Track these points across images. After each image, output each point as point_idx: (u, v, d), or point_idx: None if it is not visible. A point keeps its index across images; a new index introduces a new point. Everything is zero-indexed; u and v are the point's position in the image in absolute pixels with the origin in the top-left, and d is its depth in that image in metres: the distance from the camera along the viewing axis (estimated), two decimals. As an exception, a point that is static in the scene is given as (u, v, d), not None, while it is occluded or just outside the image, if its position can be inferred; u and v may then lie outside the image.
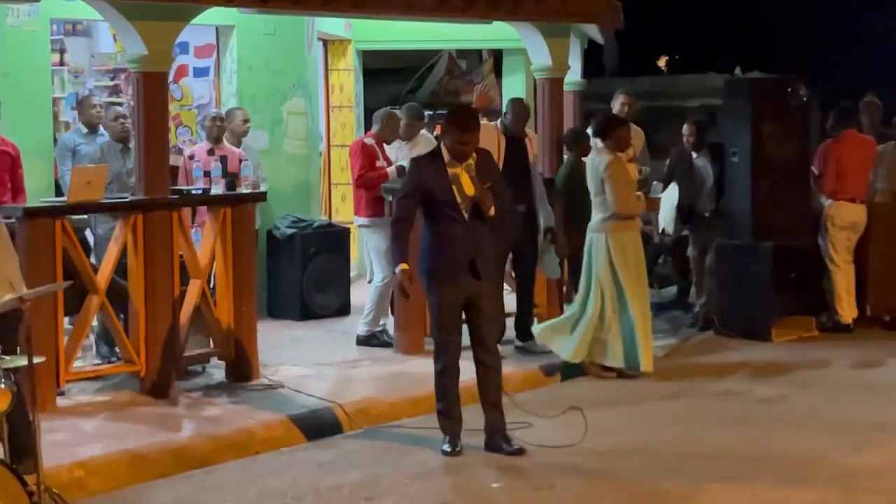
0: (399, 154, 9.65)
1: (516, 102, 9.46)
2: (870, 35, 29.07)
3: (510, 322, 9.37)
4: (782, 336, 10.06)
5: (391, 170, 9.33)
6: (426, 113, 10.80)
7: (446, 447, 6.79)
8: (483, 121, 9.02)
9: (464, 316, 6.86)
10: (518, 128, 9.26)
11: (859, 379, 8.86)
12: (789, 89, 10.25)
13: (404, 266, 6.71)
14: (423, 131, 10.25)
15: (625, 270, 8.62)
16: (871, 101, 11.25)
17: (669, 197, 10.93)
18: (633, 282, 8.65)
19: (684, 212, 10.45)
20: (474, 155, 6.78)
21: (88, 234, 8.38)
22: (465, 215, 6.72)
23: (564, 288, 10.41)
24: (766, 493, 6.12)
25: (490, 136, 8.99)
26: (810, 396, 8.23)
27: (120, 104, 10.23)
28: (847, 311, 10.50)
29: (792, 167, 10.24)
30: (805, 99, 10.28)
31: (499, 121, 9.47)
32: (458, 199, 6.70)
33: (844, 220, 10.45)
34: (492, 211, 6.74)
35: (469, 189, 6.72)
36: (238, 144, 9.82)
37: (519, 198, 8.70)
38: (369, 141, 9.49)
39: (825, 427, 7.38)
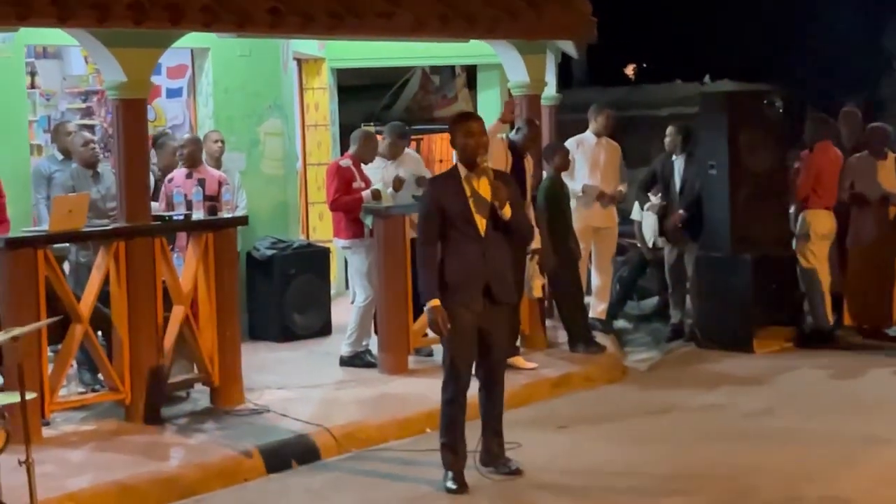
0: (384, 174, 9.62)
1: (532, 124, 9.48)
2: (834, 37, 29.26)
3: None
4: (764, 347, 10.11)
5: (366, 193, 9.25)
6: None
7: (451, 485, 6.53)
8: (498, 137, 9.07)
9: None
10: (529, 147, 9.30)
11: (843, 391, 8.89)
12: (765, 101, 10.32)
13: (435, 303, 6.43)
14: (408, 150, 10.24)
15: None
16: (849, 111, 11.36)
17: (652, 209, 11.01)
18: None
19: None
20: (492, 173, 6.54)
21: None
22: (482, 232, 6.51)
23: (546, 303, 10.46)
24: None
25: (499, 150, 9.03)
26: (796, 410, 8.25)
27: (91, 127, 10.17)
28: (829, 315, 10.60)
29: (769, 178, 10.31)
30: (781, 110, 10.35)
31: (503, 135, 9.42)
32: (475, 214, 6.49)
33: (824, 228, 10.53)
34: (507, 211, 6.49)
35: (487, 195, 6.49)
36: (217, 166, 9.78)
37: None
38: (345, 163, 9.43)
39: (814, 441, 7.39)
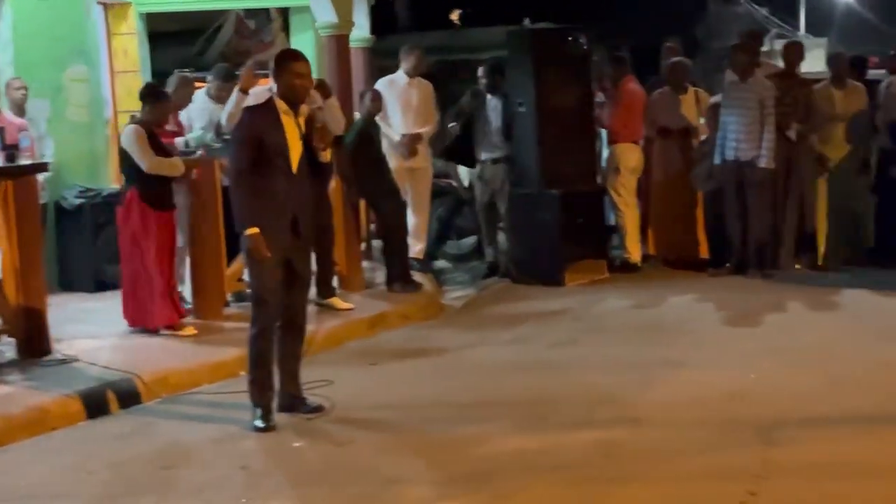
0: (212, 117, 9.46)
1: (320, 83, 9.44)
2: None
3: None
4: (575, 280, 10.38)
5: (179, 140, 9.16)
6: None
7: (260, 423, 6.58)
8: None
9: None
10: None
11: (646, 319, 9.20)
12: (569, 38, 10.52)
13: (254, 231, 6.42)
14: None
15: None
16: (671, 46, 11.69)
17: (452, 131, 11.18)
18: None
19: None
20: (309, 112, 6.64)
21: None
22: (294, 168, 6.54)
23: (363, 245, 10.53)
24: (556, 436, 6.30)
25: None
26: (600, 338, 8.52)
27: None
28: (636, 250, 10.94)
29: (575, 115, 10.54)
30: (585, 48, 10.56)
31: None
32: (290, 150, 6.50)
33: (633, 161, 10.83)
34: (327, 155, 6.57)
35: (298, 140, 6.54)
36: (20, 114, 9.53)
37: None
38: (159, 107, 9.30)
39: (614, 367, 7.63)
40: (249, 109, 6.88)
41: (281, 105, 6.56)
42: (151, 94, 8.46)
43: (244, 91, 8.83)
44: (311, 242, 6.93)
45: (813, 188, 10.74)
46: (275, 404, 6.74)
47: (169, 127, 9.20)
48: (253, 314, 6.71)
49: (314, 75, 9.24)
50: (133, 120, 8.46)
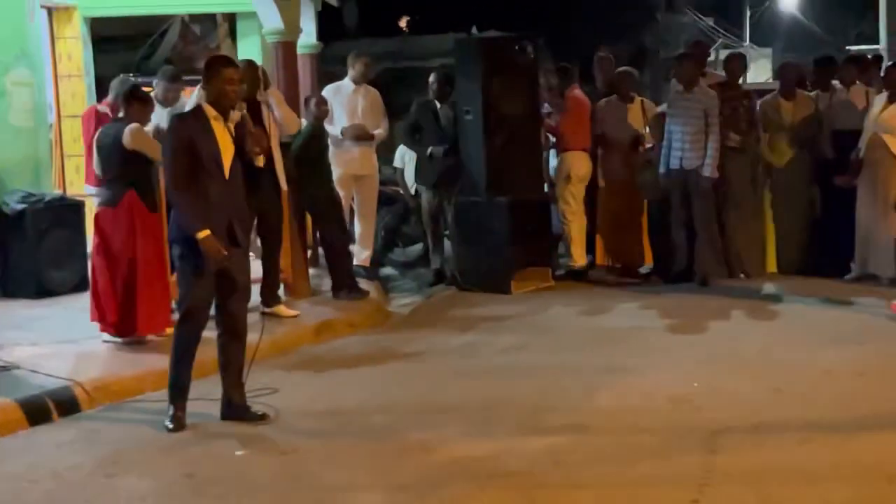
0: (160, 121, 9.38)
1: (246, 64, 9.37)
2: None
3: (256, 288, 9.34)
4: (521, 287, 10.41)
5: None
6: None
7: (169, 423, 6.62)
8: None
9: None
10: (251, 92, 9.18)
11: (592, 325, 9.24)
12: (517, 47, 10.55)
13: (206, 233, 6.40)
14: (184, 97, 10.02)
15: None
16: (604, 56, 11.73)
17: (412, 157, 11.14)
18: None
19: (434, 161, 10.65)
20: (239, 117, 6.64)
21: None
22: (226, 174, 6.53)
23: (309, 252, 10.49)
24: (502, 441, 6.31)
25: None
26: (546, 345, 8.55)
27: None
28: (582, 257, 10.99)
29: (523, 124, 10.56)
30: (532, 56, 10.60)
31: None
32: (222, 155, 6.50)
33: (582, 169, 10.88)
34: (260, 160, 6.60)
35: (229, 145, 6.55)
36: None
37: (267, 163, 8.74)
38: (103, 108, 9.27)
39: (559, 374, 7.65)
40: (179, 117, 6.88)
41: (210, 111, 6.56)
42: (138, 98, 8.32)
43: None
44: (247, 249, 6.90)
45: (759, 196, 10.84)
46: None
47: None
48: (179, 318, 6.73)
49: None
50: (119, 121, 8.27)
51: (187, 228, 6.50)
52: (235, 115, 6.66)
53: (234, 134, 6.61)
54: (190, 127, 6.56)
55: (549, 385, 7.39)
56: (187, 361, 6.69)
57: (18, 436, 6.74)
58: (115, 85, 9.42)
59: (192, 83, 13.53)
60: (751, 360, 7.90)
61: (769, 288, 10.41)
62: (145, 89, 9.57)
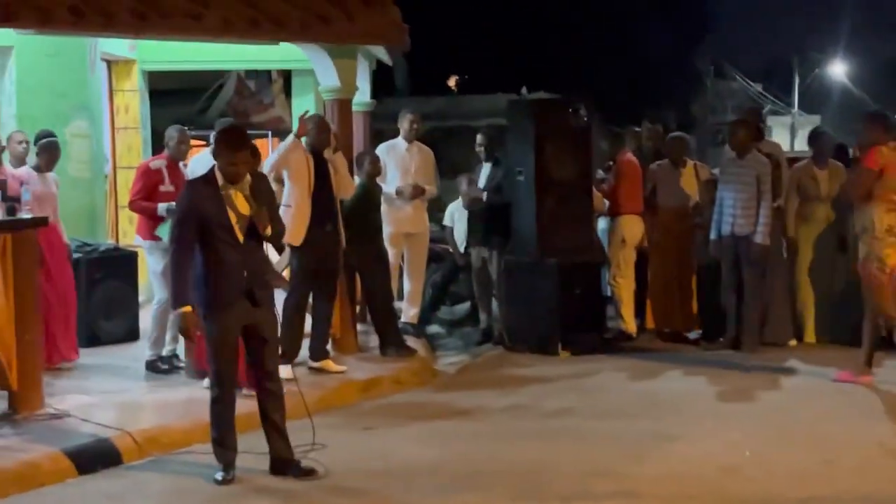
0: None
1: (316, 117, 9.48)
2: (646, 56, 30.25)
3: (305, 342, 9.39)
4: (569, 350, 10.36)
5: (161, 206, 9.11)
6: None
7: (218, 476, 6.67)
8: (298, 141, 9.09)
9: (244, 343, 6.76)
10: (322, 144, 9.27)
11: (640, 390, 9.18)
12: (570, 110, 10.59)
13: (187, 309, 6.55)
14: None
15: None
16: (652, 128, 11.80)
17: (463, 215, 11.20)
18: None
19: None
20: (249, 177, 6.67)
21: None
22: (241, 238, 6.59)
23: (357, 308, 10.52)
24: (552, 507, 6.28)
25: (300, 157, 9.11)
26: (594, 409, 8.49)
27: None
28: (632, 320, 10.95)
29: (574, 186, 10.57)
30: (586, 119, 10.63)
31: (302, 139, 9.34)
32: (234, 222, 6.56)
33: (636, 234, 10.88)
34: (268, 231, 6.65)
35: (244, 209, 6.59)
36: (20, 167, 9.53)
37: (325, 217, 8.98)
38: (155, 164, 9.30)
39: (609, 439, 7.60)
40: (190, 183, 6.96)
41: (220, 178, 6.61)
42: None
43: (298, 137, 9.05)
44: (272, 307, 6.88)
45: (795, 266, 10.76)
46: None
47: (163, 187, 9.16)
48: (211, 381, 6.80)
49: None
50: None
51: (172, 299, 6.68)
52: (246, 180, 6.61)
53: (247, 194, 6.61)
54: (198, 194, 6.62)
55: (598, 450, 7.34)
56: (225, 419, 6.75)
57: (68, 484, 6.78)
58: (169, 134, 9.49)
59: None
60: (800, 431, 7.81)
61: (817, 358, 10.29)
62: (195, 143, 9.72)
